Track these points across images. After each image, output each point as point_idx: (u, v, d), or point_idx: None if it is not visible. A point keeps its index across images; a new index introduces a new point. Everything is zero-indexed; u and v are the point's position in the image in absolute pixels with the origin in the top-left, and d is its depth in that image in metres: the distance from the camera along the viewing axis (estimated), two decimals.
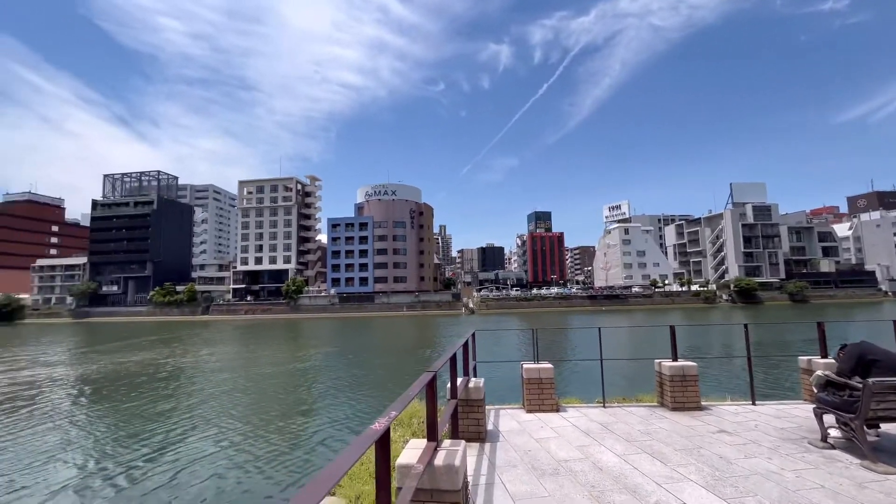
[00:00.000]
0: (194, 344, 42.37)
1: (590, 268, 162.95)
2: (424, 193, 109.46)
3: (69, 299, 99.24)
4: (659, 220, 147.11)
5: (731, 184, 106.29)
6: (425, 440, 3.33)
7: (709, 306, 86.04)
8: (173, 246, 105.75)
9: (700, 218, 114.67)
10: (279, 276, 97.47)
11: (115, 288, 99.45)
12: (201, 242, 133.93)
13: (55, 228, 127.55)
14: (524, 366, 7.07)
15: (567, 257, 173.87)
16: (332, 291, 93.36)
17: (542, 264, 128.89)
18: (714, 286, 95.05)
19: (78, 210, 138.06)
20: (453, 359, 4.48)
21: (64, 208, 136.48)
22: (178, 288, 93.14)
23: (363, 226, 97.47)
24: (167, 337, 50.11)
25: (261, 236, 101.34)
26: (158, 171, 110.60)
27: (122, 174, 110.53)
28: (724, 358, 24.29)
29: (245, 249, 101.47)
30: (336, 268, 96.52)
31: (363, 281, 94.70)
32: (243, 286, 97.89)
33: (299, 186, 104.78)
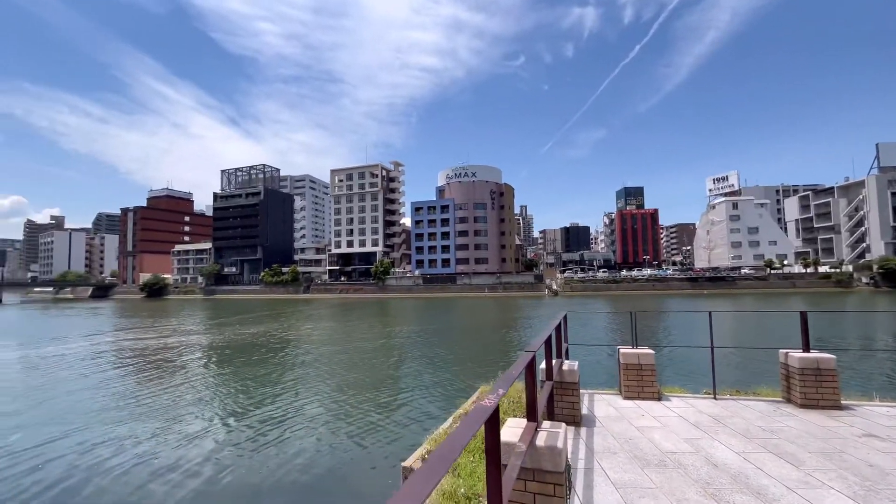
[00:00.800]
0: (298, 319, 47.21)
1: (689, 247, 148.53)
2: (505, 174, 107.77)
3: (200, 279, 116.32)
4: (777, 191, 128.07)
5: (877, 144, 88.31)
6: (523, 419, 3.30)
7: (842, 291, 73.36)
8: (278, 232, 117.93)
9: (832, 187, 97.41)
10: (368, 258, 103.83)
11: (233, 269, 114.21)
12: (301, 228, 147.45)
13: (187, 219, 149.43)
14: (622, 350, 6.68)
15: (662, 236, 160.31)
16: (416, 273, 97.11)
17: (632, 244, 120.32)
18: (850, 267, 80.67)
19: (203, 202, 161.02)
20: (548, 340, 4.36)
21: (193, 201, 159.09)
22: (284, 269, 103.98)
23: (444, 208, 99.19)
24: (275, 312, 56.48)
25: (351, 221, 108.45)
26: (264, 165, 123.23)
27: (235, 169, 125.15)
28: (865, 352, 20.66)
29: (338, 234, 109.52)
30: (420, 250, 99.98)
31: (445, 262, 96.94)
32: (337, 268, 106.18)
33: (384, 172, 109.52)
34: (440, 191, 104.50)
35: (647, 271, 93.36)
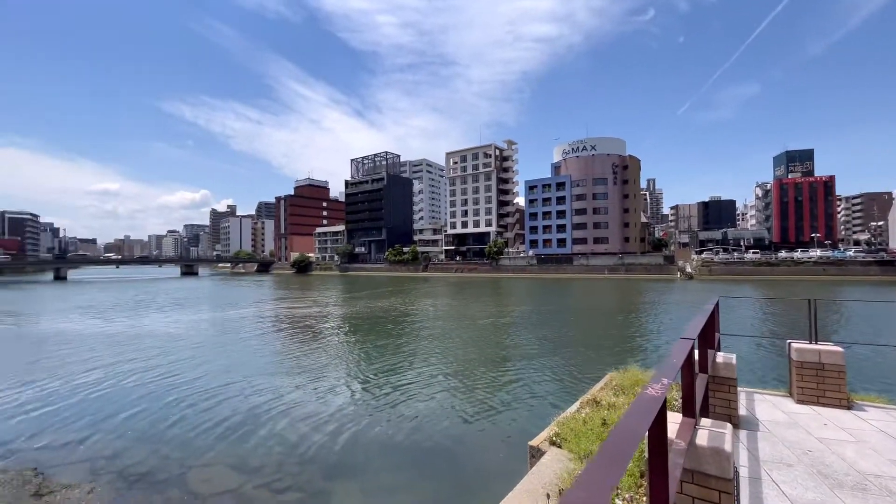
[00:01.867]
0: (418, 295, 50.43)
1: (880, 223, 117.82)
2: (629, 144, 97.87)
3: (336, 257, 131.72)
4: None
5: None
6: (678, 414, 2.91)
7: None
8: (399, 214, 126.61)
9: None
10: (482, 238, 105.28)
11: (363, 249, 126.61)
12: (419, 210, 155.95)
13: (325, 204, 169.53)
14: (794, 346, 5.54)
15: (839, 209, 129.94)
16: (530, 252, 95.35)
17: (794, 219, 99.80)
18: None
19: (337, 188, 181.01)
20: (703, 328, 3.78)
21: (329, 188, 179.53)
22: (404, 249, 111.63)
23: (560, 186, 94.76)
24: (398, 288, 61.18)
25: (465, 202, 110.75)
26: (386, 152, 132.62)
27: (362, 157, 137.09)
28: None
29: (453, 215, 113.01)
30: (534, 229, 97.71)
31: (561, 242, 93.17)
32: (453, 247, 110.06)
33: (497, 152, 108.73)
34: (555, 167, 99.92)
35: (817, 252, 76.70)
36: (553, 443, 4.86)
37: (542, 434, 5.31)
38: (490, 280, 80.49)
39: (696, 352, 4.07)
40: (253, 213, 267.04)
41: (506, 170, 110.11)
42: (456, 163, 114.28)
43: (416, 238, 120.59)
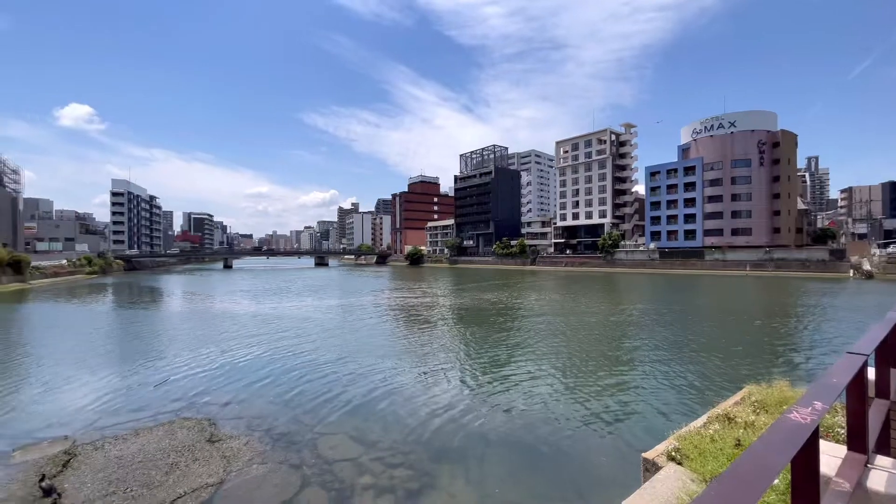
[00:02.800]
0: (525, 289, 49.64)
1: None
2: (782, 118, 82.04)
3: (445, 250, 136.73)
4: None
5: None
6: (837, 445, 2.35)
7: None
8: (507, 207, 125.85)
9: None
10: (595, 230, 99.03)
11: (470, 242, 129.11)
12: (527, 203, 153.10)
13: (435, 199, 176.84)
14: None
15: None
16: (651, 246, 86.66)
17: None
18: None
19: (446, 184, 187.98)
20: (884, 342, 2.98)
21: (439, 184, 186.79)
22: (512, 242, 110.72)
23: (689, 170, 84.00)
24: (505, 282, 61.01)
25: (577, 192, 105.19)
26: (494, 146, 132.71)
27: (471, 152, 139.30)
28: None
29: (563, 206, 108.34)
30: (655, 220, 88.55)
31: (689, 234, 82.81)
32: (562, 240, 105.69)
33: (613, 137, 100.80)
34: (683, 150, 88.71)
35: None
36: (672, 458, 4.35)
37: (658, 447, 4.79)
38: (603, 275, 75.39)
39: (873, 371, 3.23)
40: (373, 209, 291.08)
41: (623, 156, 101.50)
42: (566, 151, 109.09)
43: (523, 231, 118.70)
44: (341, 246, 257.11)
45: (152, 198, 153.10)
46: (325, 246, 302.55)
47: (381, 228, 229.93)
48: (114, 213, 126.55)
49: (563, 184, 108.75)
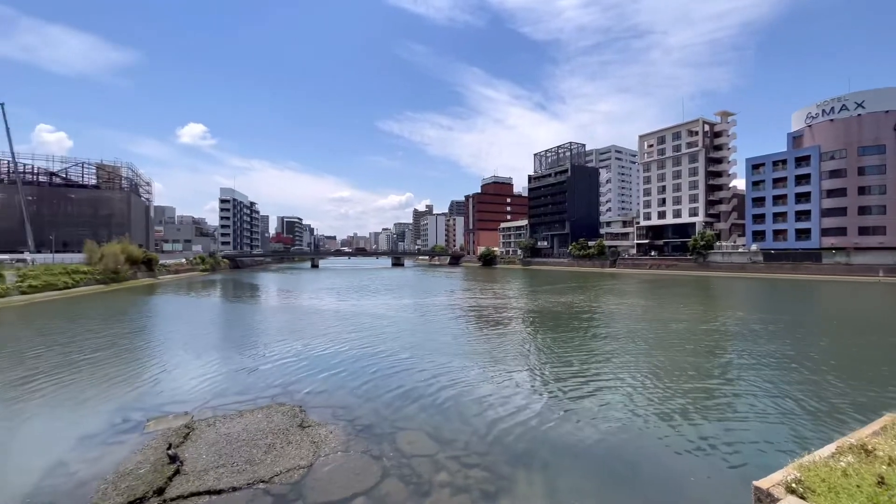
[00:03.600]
0: (604, 293, 47.02)
1: None
2: None
3: (518, 251, 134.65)
4: None
5: None
6: None
7: None
8: (584, 206, 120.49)
9: None
10: (684, 230, 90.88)
11: (545, 243, 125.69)
12: (606, 201, 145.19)
13: (509, 200, 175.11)
14: None
15: None
16: (754, 247, 77.29)
17: None
18: None
19: (520, 184, 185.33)
20: None
21: (512, 184, 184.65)
22: (590, 243, 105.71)
23: (802, 161, 73.57)
24: (581, 285, 58.36)
25: (663, 189, 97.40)
26: (570, 143, 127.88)
27: (545, 151, 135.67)
28: None
29: (647, 204, 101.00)
30: (758, 218, 78.86)
31: (802, 234, 72.51)
32: (646, 241, 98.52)
33: (706, 128, 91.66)
34: (794, 138, 77.83)
35: None
36: (792, 490, 3.80)
37: (774, 476, 4.20)
38: (694, 279, 68.84)
39: None
40: (446, 210, 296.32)
41: (718, 148, 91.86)
42: (651, 146, 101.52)
43: (602, 231, 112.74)
44: (416, 247, 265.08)
45: (252, 203, 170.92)
46: (400, 247, 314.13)
47: (454, 230, 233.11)
48: (222, 218, 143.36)
49: (648, 180, 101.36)
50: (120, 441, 9.95)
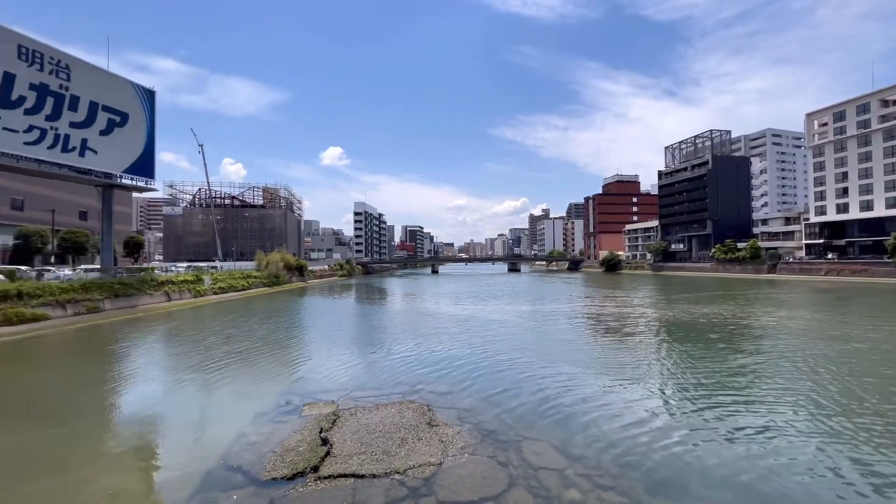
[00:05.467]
0: (759, 303, 39.68)
1: None
2: None
3: (648, 255, 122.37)
4: None
5: None
6: None
7: None
8: (730, 202, 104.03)
9: None
10: (877, 226, 71.92)
11: (680, 246, 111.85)
12: (761, 195, 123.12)
13: (635, 199, 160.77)
14: None
15: None
16: None
17: None
18: None
19: (647, 181, 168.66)
20: None
21: (639, 182, 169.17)
22: (739, 244, 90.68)
23: None
24: (729, 293, 50.18)
25: (844, 176, 78.67)
26: (710, 131, 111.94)
27: (679, 142, 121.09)
28: None
29: (821, 196, 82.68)
30: None
31: None
32: (820, 241, 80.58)
33: None
34: None
35: None
36: None
37: None
38: (894, 289, 53.89)
39: None
40: (563, 214, 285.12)
41: None
42: (825, 124, 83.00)
43: (756, 231, 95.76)
44: (532, 252, 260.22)
45: (380, 215, 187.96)
46: (516, 252, 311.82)
47: (572, 233, 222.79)
48: (356, 229, 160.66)
49: (821, 167, 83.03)
50: (283, 421, 11.70)
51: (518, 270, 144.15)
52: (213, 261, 74.22)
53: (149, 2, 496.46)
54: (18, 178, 48.35)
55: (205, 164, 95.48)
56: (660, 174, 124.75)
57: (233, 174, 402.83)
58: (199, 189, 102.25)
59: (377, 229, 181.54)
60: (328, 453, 9.34)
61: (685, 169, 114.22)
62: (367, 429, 10.66)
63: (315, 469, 8.68)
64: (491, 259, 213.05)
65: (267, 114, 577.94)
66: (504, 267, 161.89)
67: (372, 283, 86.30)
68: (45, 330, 26.95)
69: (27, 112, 31.98)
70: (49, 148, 33.63)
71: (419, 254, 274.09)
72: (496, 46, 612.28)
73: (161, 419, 13.06)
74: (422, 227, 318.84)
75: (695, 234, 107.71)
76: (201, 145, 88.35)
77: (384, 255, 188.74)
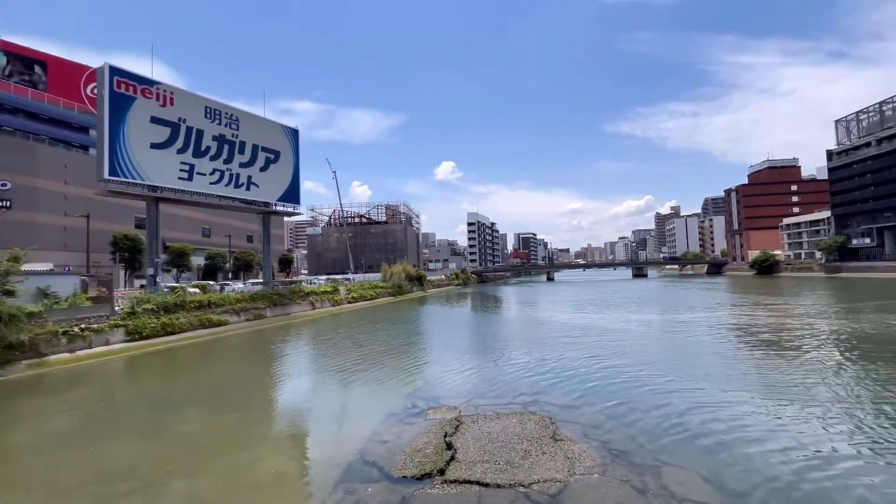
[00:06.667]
0: None
1: None
2: None
3: (817, 253, 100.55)
4: None
5: None
6: None
7: None
8: None
9: None
10: None
11: (865, 240, 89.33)
12: None
13: (794, 188, 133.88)
14: None
15: None
16: None
17: None
18: None
19: (811, 165, 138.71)
20: None
21: (798, 167, 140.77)
22: None
23: None
24: None
25: None
26: None
27: (857, 113, 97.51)
28: None
29: None
30: None
31: None
32: None
33: None
34: None
35: None
36: None
37: None
38: None
39: None
40: (698, 211, 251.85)
41: None
42: None
43: None
44: (661, 255, 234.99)
45: (493, 224, 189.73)
46: (641, 256, 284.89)
47: (710, 232, 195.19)
48: (469, 239, 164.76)
49: None
50: (410, 422, 12.39)
51: (644, 275, 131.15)
52: (347, 273, 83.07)
53: (293, 57, 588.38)
54: (206, 210, 61.00)
55: (338, 189, 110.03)
56: (829, 154, 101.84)
57: (360, 195, 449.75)
58: (334, 210, 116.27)
59: (490, 238, 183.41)
60: (453, 458, 9.57)
61: (868, 145, 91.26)
62: (489, 437, 10.65)
63: (441, 472, 8.96)
64: (612, 264, 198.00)
65: (385, 137, 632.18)
66: (627, 272, 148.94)
67: (486, 291, 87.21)
68: (225, 332, 33.18)
69: (211, 158, 40.19)
70: (226, 185, 41.71)
71: (533, 261, 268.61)
72: (608, 38, 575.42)
73: (310, 411, 15.00)
74: (535, 234, 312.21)
75: (887, 226, 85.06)
76: (335, 172, 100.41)
77: (497, 263, 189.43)
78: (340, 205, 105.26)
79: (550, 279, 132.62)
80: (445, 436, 10.75)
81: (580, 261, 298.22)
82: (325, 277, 68.45)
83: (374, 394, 16.29)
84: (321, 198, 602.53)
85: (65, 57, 67.17)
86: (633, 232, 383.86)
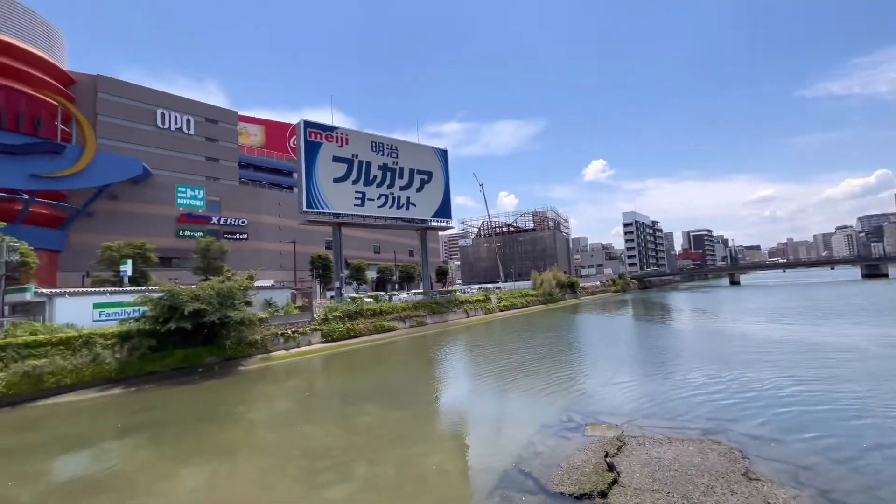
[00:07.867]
0: None
1: None
2: None
3: None
4: None
5: None
6: None
7: None
8: None
9: None
10: None
11: None
12: None
13: None
14: None
15: None
16: None
17: None
18: None
19: None
20: None
21: None
22: None
23: None
24: None
25: None
26: None
27: None
28: None
29: None
30: None
31: None
32: None
33: None
34: None
35: None
36: None
37: None
38: None
39: None
40: None
41: None
42: None
43: None
44: None
45: (654, 222, 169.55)
46: (875, 250, 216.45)
47: None
48: (626, 241, 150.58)
49: None
50: (566, 437, 11.87)
51: (883, 275, 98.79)
52: (497, 282, 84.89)
53: (437, 83, 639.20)
54: (374, 230, 70.35)
55: (485, 200, 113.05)
56: None
57: (507, 204, 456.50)
58: (483, 222, 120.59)
59: (651, 238, 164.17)
60: (616, 481, 8.81)
61: None
62: (660, 464, 9.46)
63: (603, 495, 8.34)
64: (826, 262, 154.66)
65: (529, 144, 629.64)
66: (853, 271, 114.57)
67: (650, 298, 78.01)
68: (394, 337, 37.39)
69: (377, 185, 46.35)
70: (389, 207, 47.45)
71: (709, 262, 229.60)
72: None
73: (468, 414, 15.74)
74: (710, 231, 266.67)
75: None
76: (482, 185, 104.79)
77: (663, 267, 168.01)
78: (488, 215, 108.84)
79: (735, 282, 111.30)
80: (606, 455, 9.98)
81: (777, 259, 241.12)
82: (476, 286, 71.22)
83: (528, 403, 16.18)
84: (470, 210, 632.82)
85: (274, 119, 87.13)
86: (858, 219, 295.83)
